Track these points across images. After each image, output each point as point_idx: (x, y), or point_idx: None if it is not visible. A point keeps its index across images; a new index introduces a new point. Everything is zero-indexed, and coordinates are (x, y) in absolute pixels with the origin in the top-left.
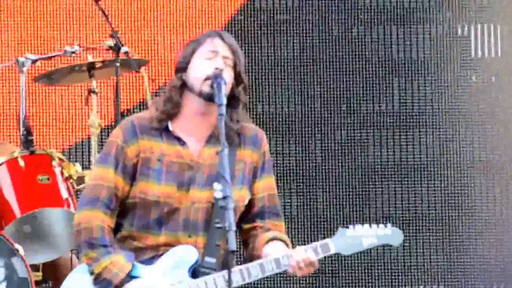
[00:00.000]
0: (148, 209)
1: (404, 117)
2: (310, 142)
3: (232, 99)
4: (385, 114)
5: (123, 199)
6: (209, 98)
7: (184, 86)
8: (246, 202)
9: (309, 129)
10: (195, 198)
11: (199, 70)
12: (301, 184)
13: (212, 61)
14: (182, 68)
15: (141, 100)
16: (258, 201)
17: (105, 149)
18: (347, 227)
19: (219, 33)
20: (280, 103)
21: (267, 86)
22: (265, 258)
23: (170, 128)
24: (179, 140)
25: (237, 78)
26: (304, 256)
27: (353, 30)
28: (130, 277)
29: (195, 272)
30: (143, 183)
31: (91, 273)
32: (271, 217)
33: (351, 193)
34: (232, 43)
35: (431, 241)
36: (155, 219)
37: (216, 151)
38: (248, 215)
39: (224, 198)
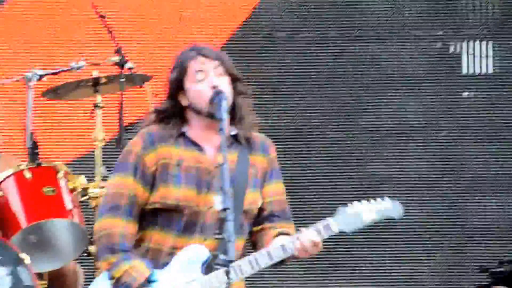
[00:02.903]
0: (168, 213)
1: (398, 132)
2: (307, 153)
3: (236, 106)
4: (379, 128)
5: (144, 206)
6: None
7: (182, 108)
8: (259, 205)
9: (307, 142)
10: (213, 202)
11: (200, 95)
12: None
13: (205, 82)
14: (174, 94)
15: (144, 115)
16: (267, 205)
17: (123, 157)
18: (347, 205)
19: (197, 50)
20: (278, 117)
21: (265, 101)
22: (271, 246)
23: (187, 134)
24: (196, 145)
25: (233, 80)
26: (308, 238)
27: (349, 47)
28: (148, 282)
29: (209, 270)
30: (163, 188)
31: (111, 278)
32: (280, 221)
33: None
34: (211, 52)
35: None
36: (175, 222)
37: (217, 164)
38: (258, 218)
39: (224, 209)
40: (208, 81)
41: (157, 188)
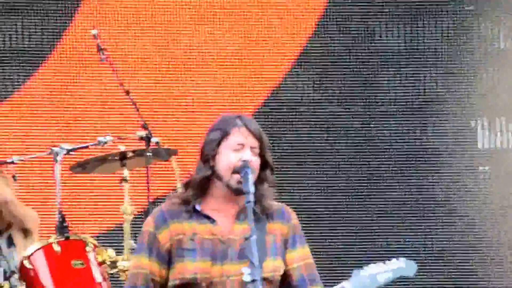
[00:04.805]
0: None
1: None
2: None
3: (259, 181)
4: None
5: (164, 283)
6: (237, 193)
7: (211, 173)
8: (282, 272)
9: (333, 221)
10: (230, 271)
11: (227, 163)
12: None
13: (239, 153)
14: (209, 157)
15: (172, 189)
16: (295, 271)
17: (139, 238)
18: (362, 268)
19: (244, 122)
20: (300, 192)
21: (288, 175)
22: None
23: (199, 208)
24: (208, 218)
25: (264, 163)
26: None
27: (371, 123)
28: None
29: None
30: (180, 264)
31: None
32: (311, 284)
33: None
34: (257, 131)
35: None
36: None
37: (245, 236)
38: (288, 286)
39: (253, 281)
40: (241, 154)
41: (174, 265)
